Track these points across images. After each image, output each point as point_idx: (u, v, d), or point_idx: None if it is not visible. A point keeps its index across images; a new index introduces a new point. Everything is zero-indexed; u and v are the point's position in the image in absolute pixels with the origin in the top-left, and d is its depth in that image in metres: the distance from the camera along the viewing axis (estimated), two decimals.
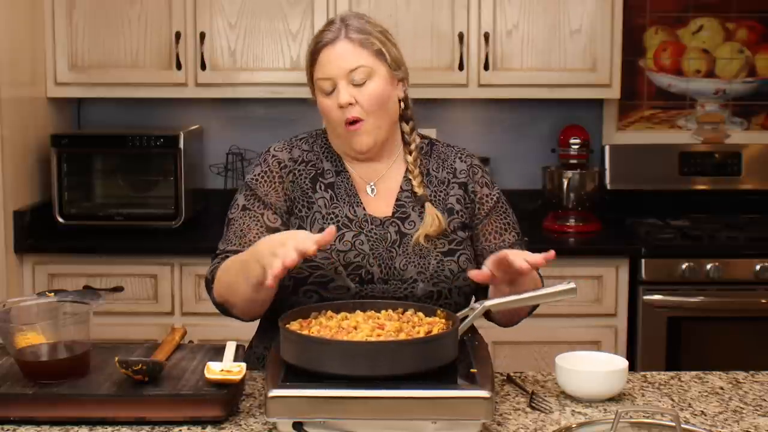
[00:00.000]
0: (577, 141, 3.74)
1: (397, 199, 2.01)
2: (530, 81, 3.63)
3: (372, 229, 1.96)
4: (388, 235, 1.96)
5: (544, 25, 3.61)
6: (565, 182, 3.71)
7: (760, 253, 3.40)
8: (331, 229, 1.70)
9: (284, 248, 1.64)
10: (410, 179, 2.02)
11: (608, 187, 3.90)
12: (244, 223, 1.97)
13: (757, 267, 3.37)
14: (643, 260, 3.38)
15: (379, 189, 2.02)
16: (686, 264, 3.36)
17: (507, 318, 2.02)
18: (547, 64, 3.62)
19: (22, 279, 3.40)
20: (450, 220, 1.99)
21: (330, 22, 1.99)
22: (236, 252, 1.91)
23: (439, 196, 2.02)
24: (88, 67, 3.62)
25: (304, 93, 3.80)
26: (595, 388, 1.76)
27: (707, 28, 3.95)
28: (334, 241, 1.91)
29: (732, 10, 3.94)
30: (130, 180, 3.74)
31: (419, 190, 1.99)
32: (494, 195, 2.06)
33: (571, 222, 3.70)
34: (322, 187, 2.00)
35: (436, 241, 1.96)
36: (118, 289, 3.39)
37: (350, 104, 1.93)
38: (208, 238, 3.59)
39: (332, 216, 1.96)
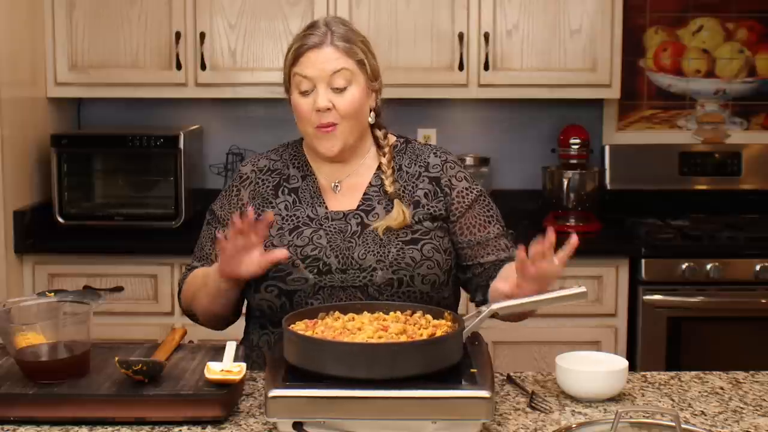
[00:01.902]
0: (577, 141, 3.74)
1: (365, 193, 2.04)
2: (530, 81, 3.63)
3: (332, 224, 2.00)
4: (349, 227, 1.99)
5: (544, 25, 3.61)
6: (565, 182, 3.71)
7: (760, 253, 3.40)
8: (282, 251, 1.88)
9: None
10: (381, 176, 2.05)
11: (608, 187, 3.90)
12: (203, 238, 2.12)
13: (757, 267, 3.37)
14: (643, 260, 3.38)
15: (346, 185, 2.06)
16: (686, 264, 3.36)
17: (513, 316, 2.02)
18: (547, 64, 3.62)
19: (22, 279, 3.40)
20: (415, 212, 2.01)
21: (313, 25, 2.02)
22: (199, 267, 2.09)
23: (408, 188, 2.04)
24: (88, 67, 3.62)
25: None
26: (595, 388, 1.76)
27: (707, 28, 3.95)
28: (293, 238, 1.99)
29: (732, 10, 3.94)
30: (130, 180, 3.74)
31: (390, 189, 2.02)
32: (475, 188, 2.07)
33: (571, 222, 3.70)
34: (285, 192, 2.06)
35: (397, 232, 1.98)
36: (118, 289, 3.39)
37: (327, 109, 1.96)
38: None
39: (293, 217, 2.02)
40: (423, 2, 3.58)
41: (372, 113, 2.05)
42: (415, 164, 2.07)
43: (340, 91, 1.96)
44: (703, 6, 3.93)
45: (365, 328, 1.69)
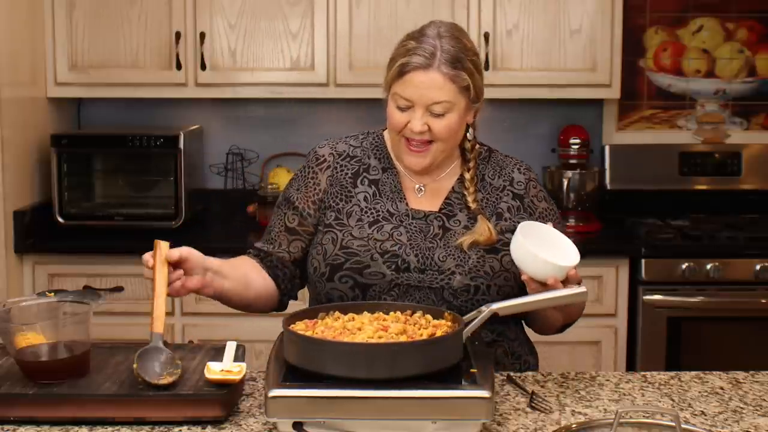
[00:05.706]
0: (577, 141, 3.74)
1: (446, 198, 2.03)
2: (530, 81, 3.63)
3: (413, 222, 1.98)
4: (431, 228, 1.98)
5: (544, 25, 3.61)
6: (565, 182, 3.71)
7: (760, 253, 3.40)
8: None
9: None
10: (463, 184, 2.02)
11: (608, 187, 3.90)
12: (272, 221, 2.09)
13: (757, 267, 3.37)
14: (643, 260, 3.38)
15: (429, 189, 2.04)
16: (686, 264, 3.36)
17: (542, 327, 2.07)
18: (547, 64, 3.62)
19: (22, 279, 3.40)
20: (497, 223, 1.99)
21: (422, 36, 1.94)
22: (261, 249, 2.05)
23: (491, 200, 2.03)
24: (88, 67, 3.62)
25: (304, 93, 3.81)
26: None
27: (707, 28, 3.95)
28: (372, 231, 1.96)
29: (732, 10, 3.94)
30: (130, 180, 3.75)
31: (473, 205, 2.00)
32: (552, 209, 2.08)
33: (571, 222, 3.70)
34: (366, 183, 2.02)
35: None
36: (118, 289, 3.39)
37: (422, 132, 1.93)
38: (208, 238, 3.60)
39: (372, 210, 1.99)
40: (423, 2, 3.58)
41: (470, 129, 2.03)
42: (499, 177, 2.06)
43: (438, 115, 1.92)
44: (703, 6, 3.93)
45: (365, 328, 1.69)
